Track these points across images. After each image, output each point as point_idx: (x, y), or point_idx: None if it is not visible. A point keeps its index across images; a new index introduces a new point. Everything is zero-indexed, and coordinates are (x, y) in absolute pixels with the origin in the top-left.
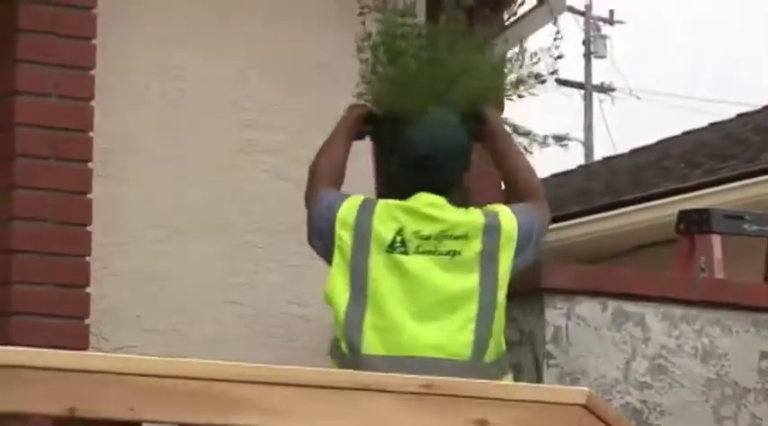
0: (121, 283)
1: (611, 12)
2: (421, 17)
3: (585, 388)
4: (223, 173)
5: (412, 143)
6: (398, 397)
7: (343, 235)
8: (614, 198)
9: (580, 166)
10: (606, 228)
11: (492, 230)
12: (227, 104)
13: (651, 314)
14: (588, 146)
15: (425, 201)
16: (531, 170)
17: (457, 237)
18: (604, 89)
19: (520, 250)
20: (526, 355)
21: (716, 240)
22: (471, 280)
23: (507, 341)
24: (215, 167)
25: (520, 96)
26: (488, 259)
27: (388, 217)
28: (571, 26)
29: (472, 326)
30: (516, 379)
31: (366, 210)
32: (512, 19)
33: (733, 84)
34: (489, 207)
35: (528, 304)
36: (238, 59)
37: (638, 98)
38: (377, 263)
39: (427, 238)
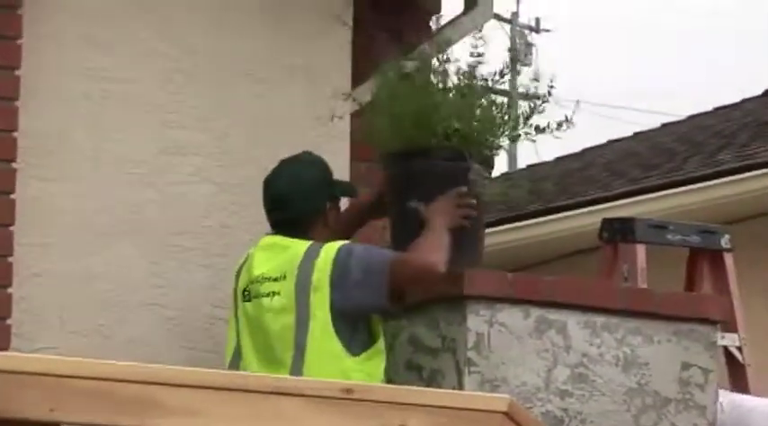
0: (44, 284)
1: (537, 20)
2: (348, 22)
3: (507, 396)
4: (148, 174)
5: (265, 182)
6: (317, 402)
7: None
8: (540, 205)
9: (504, 174)
10: (532, 235)
11: (307, 263)
12: (153, 106)
13: (573, 322)
14: (512, 153)
15: (262, 244)
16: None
17: (275, 279)
18: (529, 96)
19: (335, 286)
20: (448, 361)
21: (639, 249)
22: (288, 320)
23: (428, 347)
24: (140, 168)
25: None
26: (301, 292)
27: (246, 267)
28: (498, 34)
29: (287, 369)
30: (438, 386)
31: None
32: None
33: (657, 94)
34: (331, 243)
35: (450, 310)
36: (165, 61)
37: (561, 106)
38: (239, 313)
39: (254, 282)
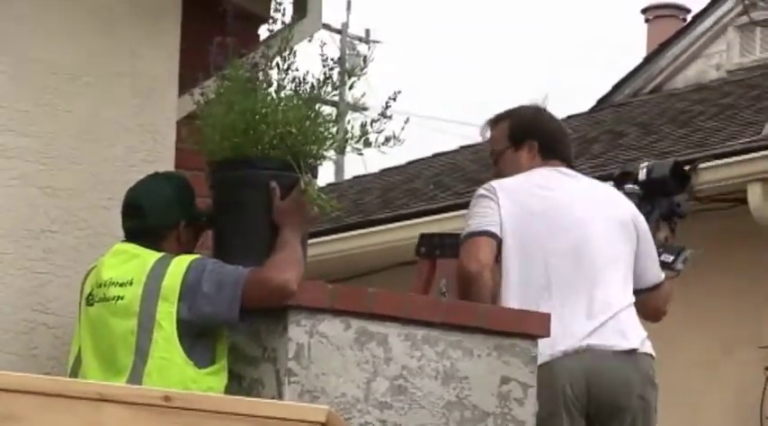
0: None
1: (368, 31)
2: (176, 30)
3: (325, 406)
4: None
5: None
6: (138, 409)
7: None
8: (363, 216)
9: (329, 184)
10: (354, 247)
11: (157, 271)
12: None
13: (394, 334)
14: (339, 163)
15: (113, 251)
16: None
17: (122, 284)
18: (357, 108)
19: (184, 298)
20: (268, 371)
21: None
22: (131, 324)
23: (248, 357)
24: None
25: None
26: (148, 299)
27: (94, 272)
28: (327, 44)
29: (126, 373)
30: (258, 396)
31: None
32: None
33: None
34: (184, 255)
35: (272, 319)
36: None
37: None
38: (82, 317)
39: (100, 286)
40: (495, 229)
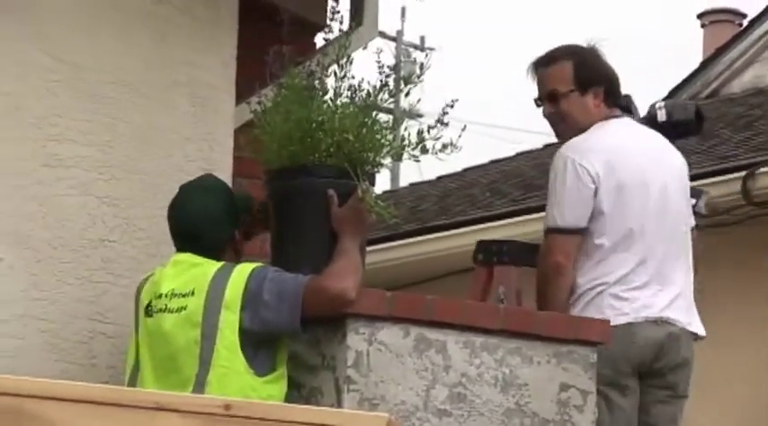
0: None
1: (422, 38)
2: (233, 39)
3: (385, 414)
4: (29, 187)
5: (171, 208)
6: (195, 417)
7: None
8: (421, 224)
9: (386, 192)
10: (412, 254)
11: (219, 281)
12: (34, 118)
13: (452, 341)
14: (395, 171)
15: (172, 261)
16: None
17: (184, 295)
18: (413, 115)
19: (246, 307)
20: (327, 379)
21: (514, 271)
22: (194, 334)
23: (308, 365)
24: (21, 181)
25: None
26: (211, 309)
27: (151, 282)
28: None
29: (192, 384)
30: (317, 404)
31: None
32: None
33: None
34: (244, 263)
35: (331, 328)
36: (46, 73)
37: (446, 125)
38: (140, 328)
39: (160, 297)
40: (586, 222)
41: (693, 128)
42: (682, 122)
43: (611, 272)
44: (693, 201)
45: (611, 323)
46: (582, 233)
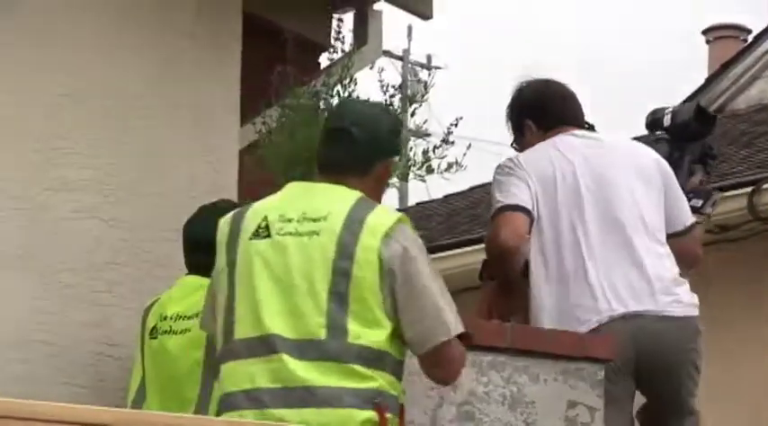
0: None
1: (429, 56)
2: (237, 60)
3: None
4: (34, 210)
5: (186, 226)
6: None
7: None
8: (427, 243)
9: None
10: None
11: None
12: (38, 140)
13: None
14: (403, 190)
15: (179, 284)
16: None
17: (189, 317)
18: (420, 134)
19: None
20: None
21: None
22: (197, 356)
23: None
24: (25, 204)
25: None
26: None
27: (157, 305)
28: (389, 70)
29: (192, 406)
30: None
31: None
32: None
33: None
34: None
35: None
36: (51, 95)
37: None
38: (145, 350)
39: (165, 319)
40: (529, 206)
41: (699, 129)
42: (682, 124)
43: (567, 290)
44: (700, 202)
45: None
46: (527, 214)
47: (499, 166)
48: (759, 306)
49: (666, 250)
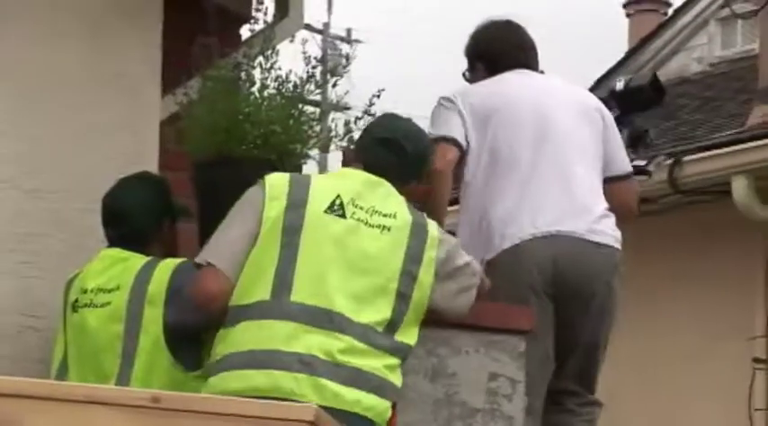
0: None
1: (349, 30)
2: (157, 30)
3: (313, 405)
4: None
5: (104, 198)
6: (127, 411)
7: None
8: None
9: None
10: None
11: (143, 276)
12: None
13: None
14: (323, 163)
15: (99, 256)
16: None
17: (110, 290)
18: (340, 107)
19: (171, 303)
20: None
21: None
22: (117, 329)
23: None
24: None
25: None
26: (135, 304)
27: (79, 278)
28: (309, 44)
29: (113, 379)
30: None
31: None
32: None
33: None
34: (170, 258)
35: None
36: None
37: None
38: (67, 324)
39: (86, 292)
40: (460, 137)
41: (652, 97)
42: (639, 89)
43: (492, 202)
44: (644, 162)
45: (501, 248)
46: (456, 145)
47: (439, 101)
48: (678, 277)
49: (600, 183)
